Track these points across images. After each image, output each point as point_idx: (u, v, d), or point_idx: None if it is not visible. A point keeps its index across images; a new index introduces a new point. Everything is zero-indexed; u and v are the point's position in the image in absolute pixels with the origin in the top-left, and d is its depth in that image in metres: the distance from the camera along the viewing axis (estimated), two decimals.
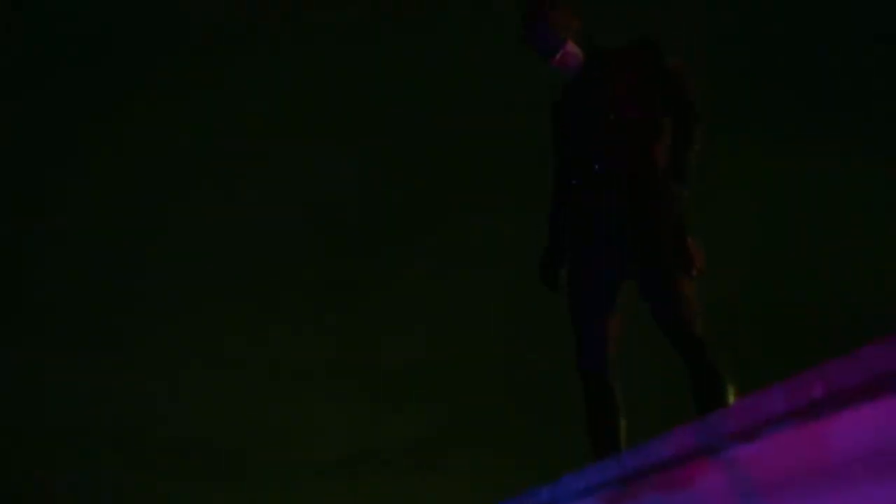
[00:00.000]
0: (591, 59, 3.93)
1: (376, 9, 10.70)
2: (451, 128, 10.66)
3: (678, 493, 2.50)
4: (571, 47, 3.88)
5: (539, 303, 4.37)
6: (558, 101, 4.05)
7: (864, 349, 1.79)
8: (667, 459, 2.51)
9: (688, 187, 3.73)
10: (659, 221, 3.70)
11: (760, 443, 2.17)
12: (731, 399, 3.53)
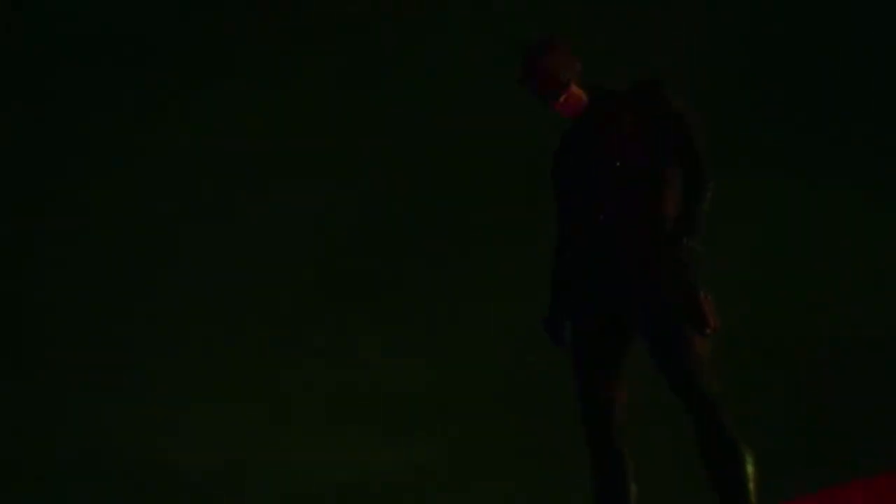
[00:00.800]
0: (596, 102, 3.87)
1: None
2: (457, 137, 10.63)
3: None
4: (574, 90, 3.84)
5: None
6: (559, 149, 3.97)
7: None
8: None
9: (698, 240, 3.67)
10: (668, 276, 3.65)
11: None
12: (750, 469, 3.45)
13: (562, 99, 3.83)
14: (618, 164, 3.71)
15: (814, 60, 10.13)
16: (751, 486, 3.44)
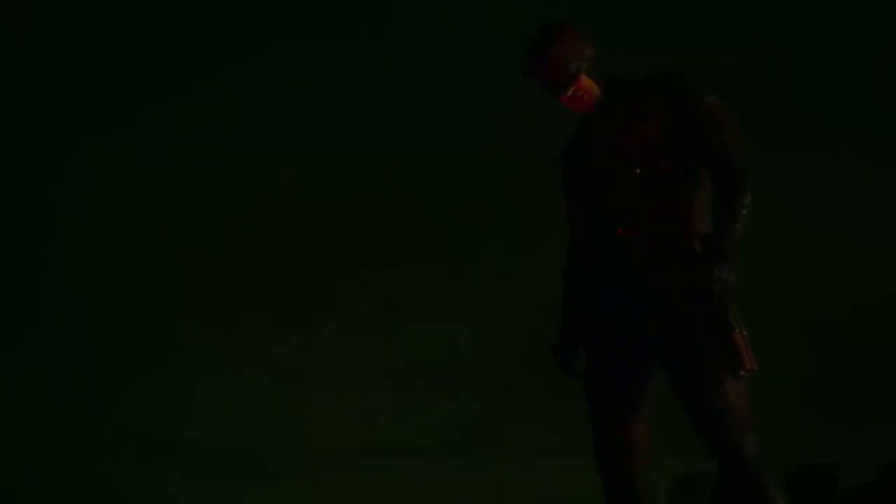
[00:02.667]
0: (610, 94, 3.36)
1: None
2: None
3: None
4: (585, 82, 3.33)
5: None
6: (569, 147, 3.45)
7: None
8: None
9: (733, 270, 3.12)
10: (697, 307, 3.11)
11: None
12: None
13: (570, 92, 3.33)
14: (638, 170, 3.22)
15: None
16: None
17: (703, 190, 3.20)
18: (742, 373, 3.04)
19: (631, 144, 3.22)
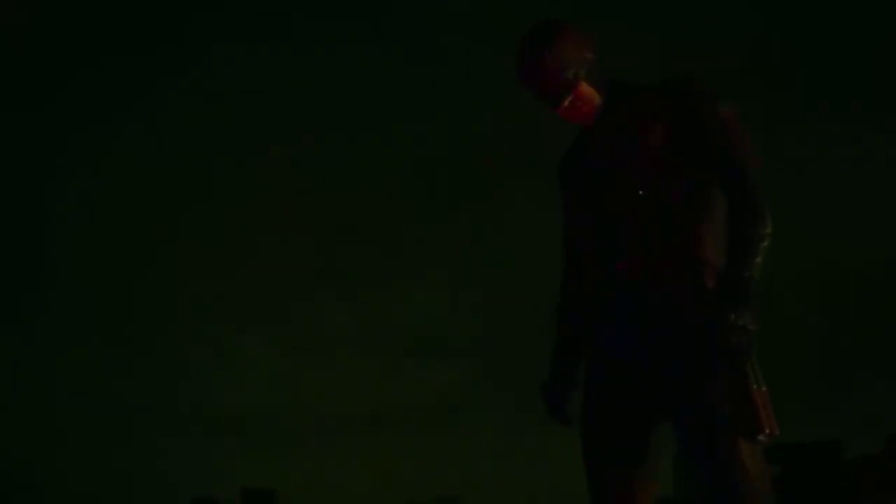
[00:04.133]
0: (612, 104, 2.86)
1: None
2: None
3: None
4: (584, 90, 2.81)
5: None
6: (566, 164, 2.98)
7: None
8: None
9: (751, 313, 2.60)
10: (710, 362, 2.62)
11: None
12: None
13: (566, 102, 2.83)
14: (641, 192, 2.75)
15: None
16: None
17: (717, 215, 2.74)
18: (761, 437, 2.57)
19: (634, 163, 2.76)
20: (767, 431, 2.60)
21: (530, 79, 2.89)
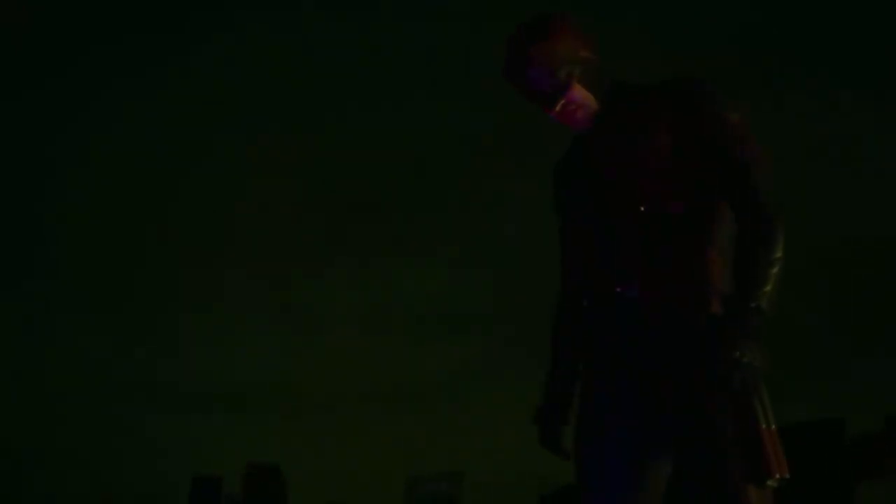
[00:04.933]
0: (610, 108, 2.61)
1: None
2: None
3: None
4: (578, 92, 2.56)
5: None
6: (561, 173, 2.75)
7: None
8: None
9: (760, 348, 2.40)
10: (714, 398, 2.42)
11: None
12: None
13: (559, 106, 2.58)
14: (642, 207, 2.54)
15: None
16: None
17: (725, 232, 2.54)
18: (769, 482, 2.40)
19: (634, 175, 2.55)
20: (776, 475, 2.40)
21: (518, 78, 2.61)
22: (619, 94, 2.67)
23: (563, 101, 2.61)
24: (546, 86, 2.60)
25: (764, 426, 2.44)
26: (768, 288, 2.48)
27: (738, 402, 2.44)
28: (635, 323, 2.56)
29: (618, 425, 2.59)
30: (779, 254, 2.50)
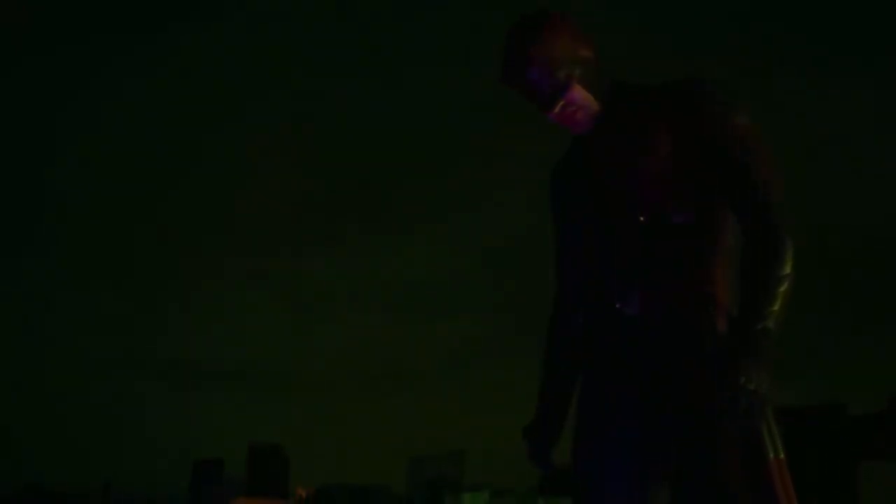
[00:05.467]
0: (611, 110, 2.46)
1: None
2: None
3: None
4: (578, 93, 2.41)
5: None
6: (559, 178, 2.61)
7: None
8: None
9: (767, 372, 2.21)
10: (717, 426, 2.27)
11: None
12: None
13: (558, 108, 2.42)
14: (642, 217, 2.38)
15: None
16: None
17: (731, 245, 2.38)
18: None
19: (635, 181, 2.38)
20: None
21: (515, 78, 2.47)
22: (620, 95, 2.51)
23: (562, 103, 2.45)
24: (545, 86, 2.44)
25: (772, 455, 2.29)
26: (776, 307, 2.28)
27: (744, 431, 2.29)
28: (635, 341, 2.41)
29: (612, 455, 2.44)
30: (787, 270, 2.30)
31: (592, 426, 2.49)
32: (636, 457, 2.38)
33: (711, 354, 2.31)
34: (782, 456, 2.29)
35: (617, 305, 2.41)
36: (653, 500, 2.40)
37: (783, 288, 2.27)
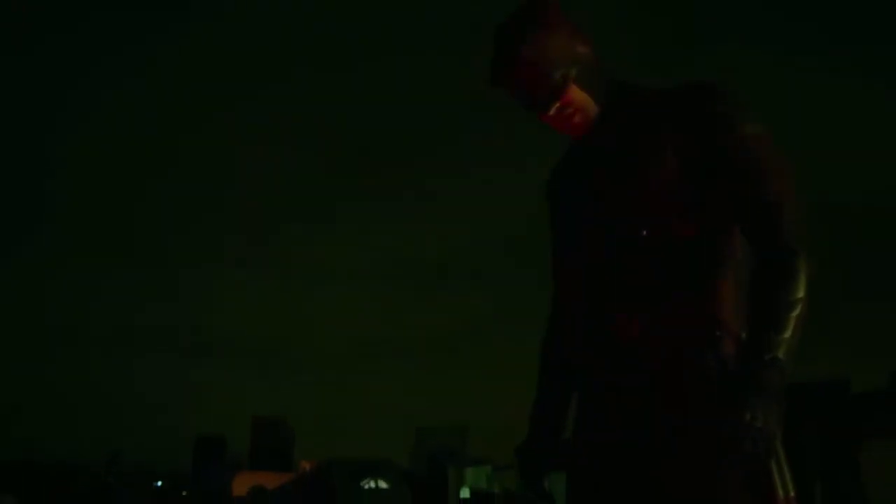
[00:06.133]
0: (612, 113, 2.27)
1: None
2: None
3: None
4: (576, 95, 2.22)
5: None
6: (556, 185, 2.42)
7: None
8: None
9: (774, 403, 2.02)
10: (721, 464, 2.06)
11: None
12: None
13: (553, 111, 2.23)
14: (644, 232, 2.16)
15: None
16: None
17: (740, 264, 2.20)
18: None
19: (636, 193, 2.18)
20: None
21: (506, 79, 2.26)
22: (621, 96, 2.31)
23: (558, 105, 2.25)
24: (539, 87, 2.24)
25: (782, 495, 2.11)
26: (787, 335, 2.06)
27: (752, 470, 2.10)
28: (634, 367, 2.20)
29: (612, 477, 2.25)
30: (800, 294, 2.08)
31: (585, 471, 2.29)
32: (632, 499, 2.19)
33: (716, 385, 2.12)
34: (793, 494, 2.12)
35: (613, 326, 2.19)
36: None
37: (796, 313, 2.06)
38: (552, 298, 2.50)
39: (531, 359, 2.58)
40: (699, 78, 2.25)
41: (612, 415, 2.22)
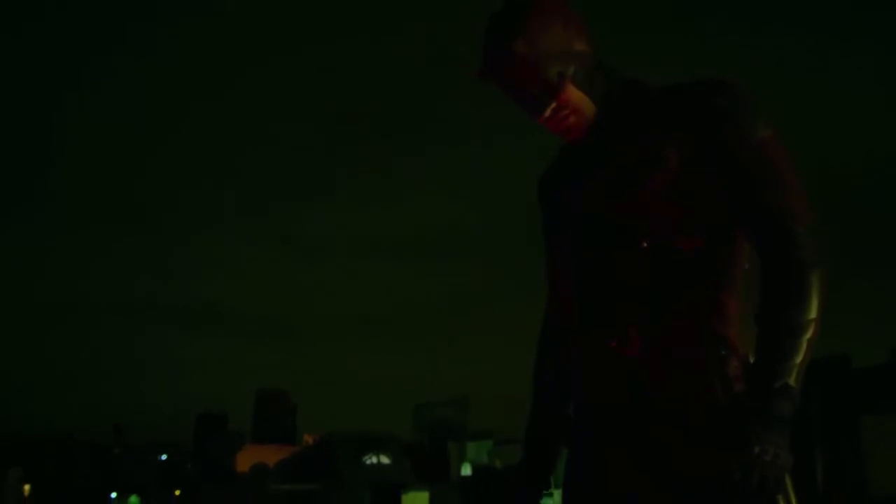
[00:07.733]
0: (611, 114, 2.13)
1: None
2: None
3: None
4: (572, 95, 2.09)
5: None
6: (550, 189, 2.30)
7: None
8: None
9: (782, 435, 1.89)
10: (730, 500, 1.92)
11: None
12: None
13: (549, 112, 2.11)
14: (645, 242, 2.03)
15: None
16: None
17: (748, 272, 2.09)
18: None
19: (636, 200, 2.04)
20: None
21: (497, 76, 2.12)
22: (622, 95, 2.17)
23: (553, 105, 2.12)
24: (533, 87, 2.11)
25: None
26: (798, 360, 1.92)
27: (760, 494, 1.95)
28: (632, 388, 2.06)
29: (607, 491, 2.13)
30: (813, 314, 1.95)
31: (580, 496, 2.17)
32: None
33: (721, 414, 1.99)
34: None
35: (611, 344, 2.05)
36: None
37: (808, 336, 1.93)
38: (546, 309, 2.38)
39: (533, 332, 2.45)
40: (705, 77, 2.10)
41: (608, 446, 2.10)
